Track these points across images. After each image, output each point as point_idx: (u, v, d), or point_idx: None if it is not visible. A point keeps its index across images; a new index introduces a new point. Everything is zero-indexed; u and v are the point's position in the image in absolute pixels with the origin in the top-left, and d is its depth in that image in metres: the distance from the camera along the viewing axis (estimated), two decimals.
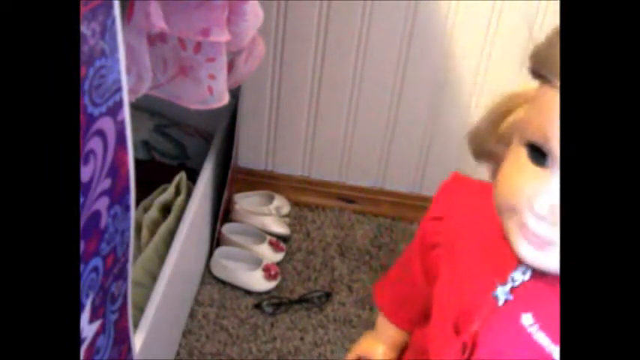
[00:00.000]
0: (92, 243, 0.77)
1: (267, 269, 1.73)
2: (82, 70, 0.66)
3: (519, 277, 0.67)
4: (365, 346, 0.96)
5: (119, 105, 0.76)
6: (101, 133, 0.73)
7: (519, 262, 0.66)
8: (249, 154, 1.95)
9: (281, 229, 1.87)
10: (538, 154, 0.59)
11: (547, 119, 0.57)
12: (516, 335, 0.66)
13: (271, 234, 1.84)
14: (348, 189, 1.96)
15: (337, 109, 1.84)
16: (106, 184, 0.77)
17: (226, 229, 1.81)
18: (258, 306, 1.68)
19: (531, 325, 0.66)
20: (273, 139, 1.93)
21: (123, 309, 0.94)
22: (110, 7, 0.69)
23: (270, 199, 1.95)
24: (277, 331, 1.63)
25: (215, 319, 1.65)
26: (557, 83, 0.56)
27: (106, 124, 0.74)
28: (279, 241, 1.83)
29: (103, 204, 0.77)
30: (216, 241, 1.79)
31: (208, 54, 1.27)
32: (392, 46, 1.73)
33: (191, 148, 1.89)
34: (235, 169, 1.85)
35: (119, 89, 0.75)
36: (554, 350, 0.63)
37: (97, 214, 0.77)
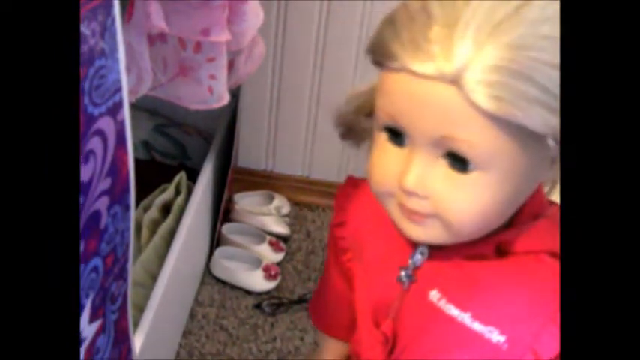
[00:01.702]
0: (92, 243, 0.77)
1: (267, 269, 1.73)
2: (82, 70, 0.66)
3: (418, 257, 0.70)
4: None
5: (119, 105, 0.76)
6: (101, 133, 0.73)
7: (416, 243, 0.69)
8: (249, 154, 1.95)
9: (281, 229, 1.87)
10: (395, 136, 0.62)
11: (390, 101, 0.60)
12: (428, 312, 0.69)
13: (271, 234, 1.84)
14: None
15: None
16: (106, 184, 0.77)
17: (226, 229, 1.81)
18: (258, 306, 1.68)
19: (439, 300, 0.68)
20: (273, 139, 1.93)
21: (123, 309, 0.94)
22: (110, 7, 0.69)
23: (270, 199, 1.95)
24: (277, 331, 1.63)
25: (215, 319, 1.65)
26: (391, 64, 0.59)
27: (106, 124, 0.74)
28: (279, 241, 1.83)
29: (103, 204, 0.77)
30: (216, 241, 1.79)
31: (208, 54, 1.27)
32: None
33: (191, 148, 1.89)
34: (235, 169, 1.85)
35: (119, 89, 0.75)
36: (465, 317, 0.67)
37: (97, 214, 0.77)
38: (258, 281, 1.72)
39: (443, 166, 0.60)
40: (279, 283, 1.74)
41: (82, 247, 0.75)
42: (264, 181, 1.98)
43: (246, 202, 1.92)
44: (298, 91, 1.83)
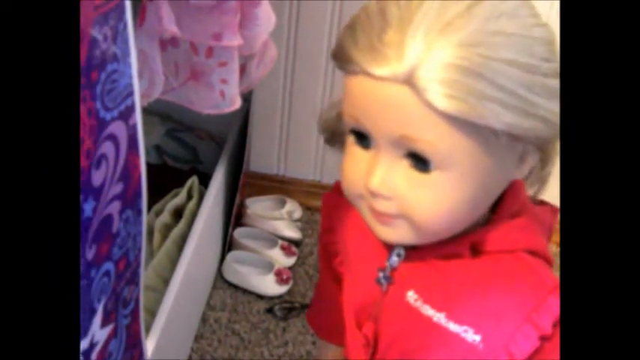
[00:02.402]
0: (104, 247, 0.77)
1: (279, 273, 1.73)
2: (94, 75, 0.66)
3: (395, 259, 0.71)
4: None
5: (131, 109, 0.76)
6: (113, 138, 0.73)
7: (392, 245, 0.70)
8: (261, 159, 1.95)
9: (293, 233, 1.87)
10: (361, 138, 0.63)
11: (353, 104, 0.62)
12: (406, 314, 0.70)
13: (283, 238, 1.84)
14: None
15: None
16: (118, 188, 0.77)
17: (238, 233, 1.81)
18: (270, 310, 1.68)
19: (416, 301, 0.69)
20: (285, 143, 1.93)
21: (135, 313, 0.94)
22: (122, 11, 0.69)
23: (282, 203, 1.95)
24: (289, 336, 1.63)
25: (227, 323, 1.65)
26: (350, 68, 0.60)
27: (118, 128, 0.74)
28: (290, 245, 1.83)
29: (115, 208, 0.77)
30: (228, 245, 1.79)
31: (220, 58, 1.28)
32: None
33: (203, 152, 1.89)
34: (247, 174, 1.85)
35: (131, 94, 0.75)
36: (441, 317, 0.67)
37: (109, 219, 0.77)
38: (270, 286, 1.72)
39: (405, 166, 0.61)
40: (291, 288, 1.73)
41: (94, 251, 0.75)
42: (276, 186, 1.98)
43: (258, 206, 1.92)
44: (310, 95, 1.83)
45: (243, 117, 1.77)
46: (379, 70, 0.57)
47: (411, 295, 0.69)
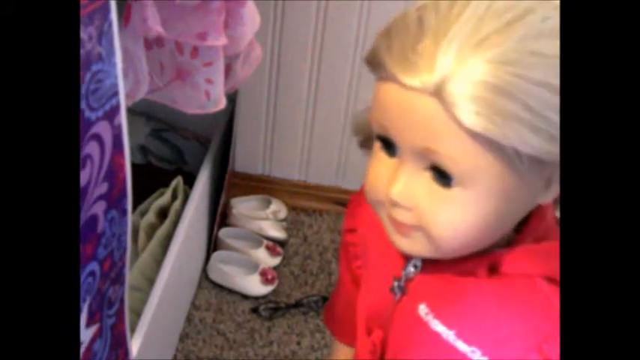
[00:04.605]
0: (89, 247, 0.77)
1: (264, 273, 1.73)
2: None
3: (411, 270, 0.70)
4: None
5: (116, 109, 0.76)
6: (98, 138, 0.73)
7: (410, 256, 0.69)
8: (246, 159, 1.95)
9: (278, 233, 1.87)
10: (387, 145, 0.62)
11: (382, 111, 0.61)
12: (415, 327, 0.69)
13: (268, 238, 1.84)
14: (344, 193, 1.96)
15: (334, 113, 1.84)
16: (103, 188, 0.77)
17: (223, 233, 1.81)
18: (255, 310, 1.68)
19: (427, 315, 0.68)
20: (270, 143, 1.93)
21: (120, 313, 0.93)
22: (107, 11, 0.69)
23: (267, 203, 1.95)
24: (274, 336, 1.63)
25: (212, 323, 1.65)
26: (381, 74, 0.60)
27: (103, 128, 0.74)
28: (276, 245, 1.83)
29: (99, 208, 0.77)
30: (213, 245, 1.79)
31: (205, 58, 1.27)
32: None
33: (188, 152, 1.89)
34: (232, 174, 1.85)
35: (116, 93, 0.75)
36: (450, 335, 0.66)
37: (93, 219, 0.76)
38: (255, 285, 1.72)
39: (427, 179, 0.60)
40: (276, 288, 1.74)
41: None
42: (262, 186, 1.98)
43: (243, 206, 1.92)
44: (295, 95, 1.84)
45: (228, 117, 1.77)
46: (409, 80, 0.56)
47: (422, 309, 0.68)
